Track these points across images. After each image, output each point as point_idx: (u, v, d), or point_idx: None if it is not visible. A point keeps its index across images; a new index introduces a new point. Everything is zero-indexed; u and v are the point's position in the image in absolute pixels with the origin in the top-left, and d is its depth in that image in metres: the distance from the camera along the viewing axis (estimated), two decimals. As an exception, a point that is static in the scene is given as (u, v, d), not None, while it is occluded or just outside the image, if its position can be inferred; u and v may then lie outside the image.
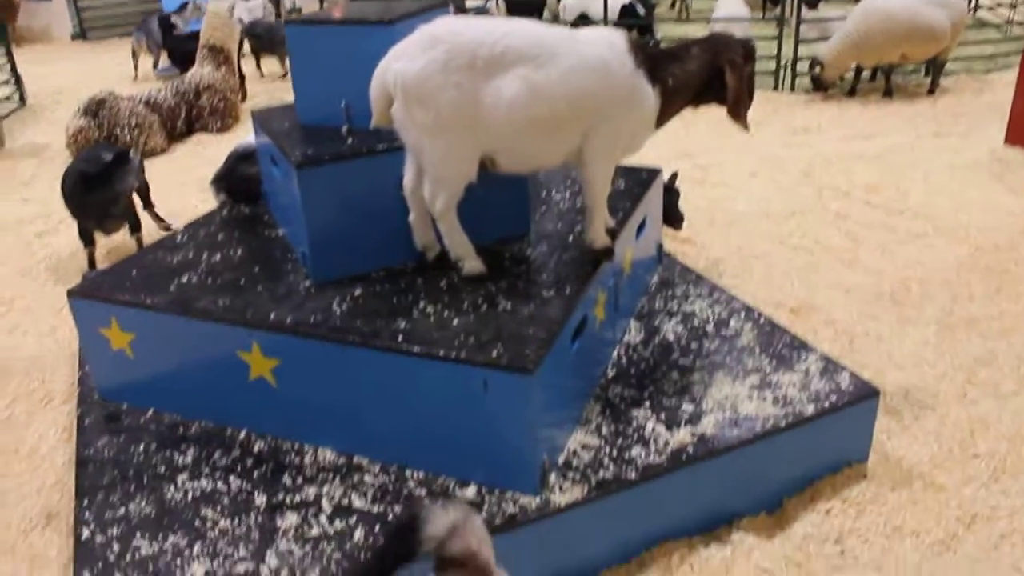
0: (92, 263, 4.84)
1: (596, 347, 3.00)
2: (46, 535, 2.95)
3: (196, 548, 2.46)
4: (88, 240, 4.80)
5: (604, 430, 2.75)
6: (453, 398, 2.49)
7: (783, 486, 2.84)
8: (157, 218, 5.23)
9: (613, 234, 3.07)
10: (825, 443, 2.87)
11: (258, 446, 2.86)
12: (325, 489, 2.63)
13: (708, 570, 2.62)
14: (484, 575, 1.60)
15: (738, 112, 2.81)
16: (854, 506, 2.84)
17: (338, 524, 2.49)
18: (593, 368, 3.00)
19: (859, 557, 2.68)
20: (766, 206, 5.45)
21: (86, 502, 2.69)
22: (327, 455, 2.78)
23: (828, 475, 2.92)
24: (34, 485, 3.19)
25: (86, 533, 2.56)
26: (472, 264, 2.89)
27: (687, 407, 2.84)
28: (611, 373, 3.08)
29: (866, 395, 2.89)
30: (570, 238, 3.15)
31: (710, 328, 3.35)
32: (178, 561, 2.42)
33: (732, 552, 2.68)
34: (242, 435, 2.93)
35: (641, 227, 3.55)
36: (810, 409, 2.81)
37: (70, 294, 3.11)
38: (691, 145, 6.77)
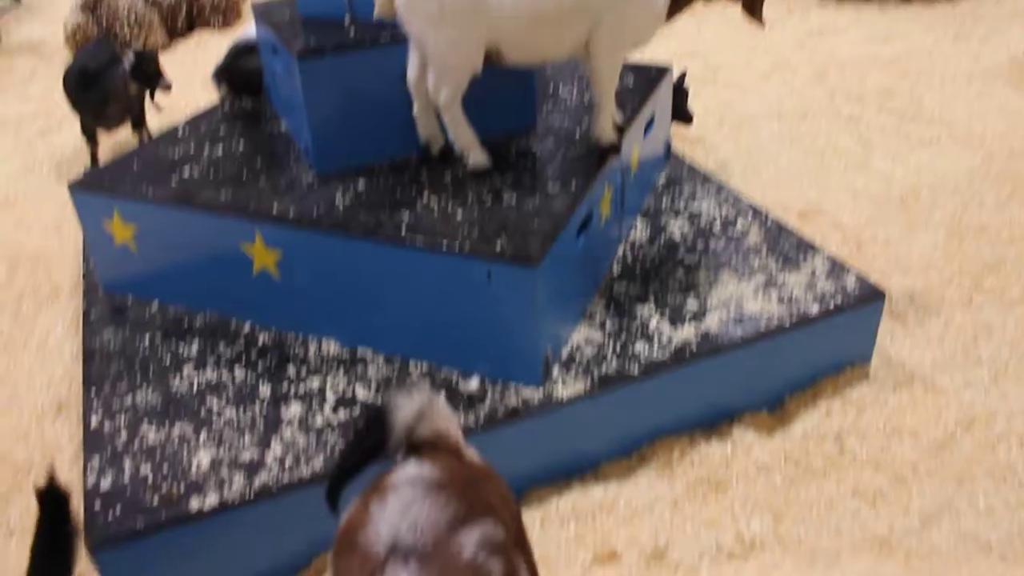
0: (95, 160, 4.79)
1: (601, 243, 2.98)
2: (57, 424, 3.00)
3: (202, 436, 2.49)
4: (91, 136, 4.74)
5: (608, 326, 2.76)
6: (457, 290, 2.49)
7: (785, 385, 2.85)
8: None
9: (620, 130, 3.01)
10: (829, 343, 2.87)
11: (263, 338, 2.88)
12: (329, 380, 2.65)
13: (708, 465, 2.66)
14: (456, 453, 1.61)
15: (753, 7, 2.73)
16: (855, 406, 2.86)
17: (342, 414, 2.51)
18: (598, 264, 2.98)
19: (857, 455, 2.71)
20: (777, 108, 5.35)
21: (94, 392, 2.71)
22: (331, 347, 2.80)
23: (830, 375, 2.94)
24: (44, 377, 3.24)
25: (95, 422, 2.59)
26: (477, 157, 2.84)
27: (691, 304, 2.83)
28: (616, 270, 3.06)
29: (871, 297, 2.87)
30: (577, 134, 3.10)
31: (716, 228, 3.32)
32: (185, 449, 2.46)
33: (732, 448, 2.71)
34: (247, 327, 2.94)
35: (649, 125, 3.49)
36: (815, 309, 2.80)
37: (72, 187, 3.08)
38: (701, 44, 6.59)
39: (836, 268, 3.01)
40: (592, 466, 2.62)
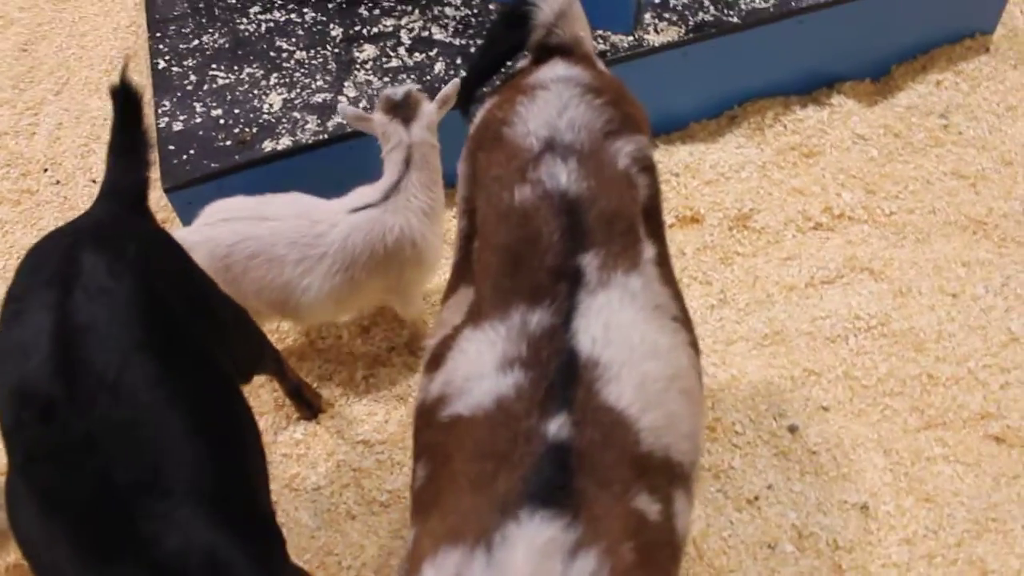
0: None
1: None
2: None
3: (273, 79, 2.40)
4: None
5: (706, -27, 2.50)
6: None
7: (894, 51, 2.62)
8: None
9: None
10: (950, 6, 2.59)
11: (332, -22, 2.69)
12: (403, 21, 2.48)
13: (801, 131, 2.51)
14: (588, 63, 1.46)
15: None
16: (968, 80, 2.64)
17: (418, 56, 2.38)
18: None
19: (963, 133, 2.53)
20: None
21: (159, 34, 2.60)
22: (406, -14, 2.60)
23: (946, 45, 2.68)
24: (109, 27, 3.14)
25: (162, 64, 2.50)
26: None
27: (800, -46, 2.55)
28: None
29: (1009, -48, 2.55)
30: None
31: None
32: (255, 91, 2.37)
33: (829, 115, 2.54)
34: (314, -34, 2.74)
35: None
36: (940, -37, 2.50)
37: None
38: None
39: (970, -84, 2.65)
40: (679, 125, 2.49)
